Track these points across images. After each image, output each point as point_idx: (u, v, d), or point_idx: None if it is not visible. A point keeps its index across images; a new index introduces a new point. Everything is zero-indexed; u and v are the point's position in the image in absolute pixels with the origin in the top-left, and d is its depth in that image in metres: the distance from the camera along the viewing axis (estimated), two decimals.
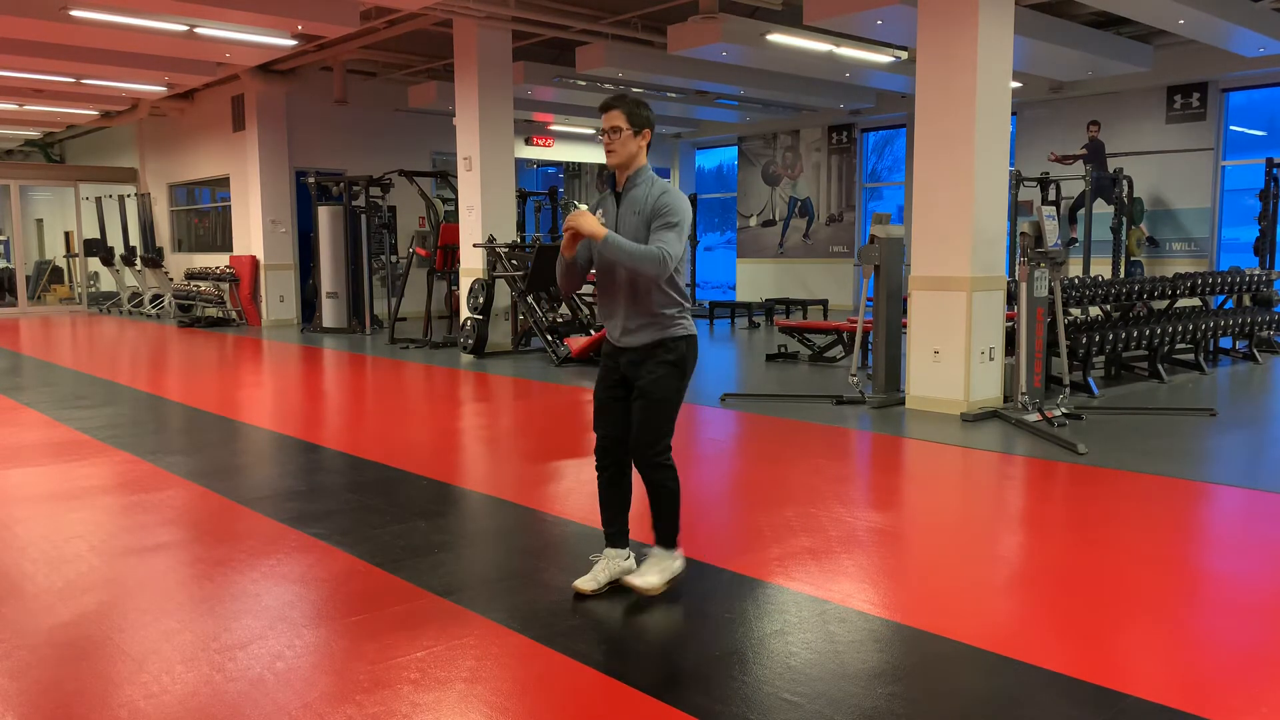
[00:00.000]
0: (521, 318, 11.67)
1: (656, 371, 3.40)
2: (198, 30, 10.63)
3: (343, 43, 13.05)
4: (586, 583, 3.52)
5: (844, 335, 10.32)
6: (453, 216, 13.06)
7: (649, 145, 3.44)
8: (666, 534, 3.56)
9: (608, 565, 3.56)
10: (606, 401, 3.55)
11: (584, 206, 3.35)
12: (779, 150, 18.95)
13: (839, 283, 17.88)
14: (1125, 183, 13.26)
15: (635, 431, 3.45)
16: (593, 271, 3.57)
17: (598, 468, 3.59)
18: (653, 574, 3.50)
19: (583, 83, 14.37)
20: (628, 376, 3.48)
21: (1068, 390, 7.48)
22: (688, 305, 3.49)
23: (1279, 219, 12.50)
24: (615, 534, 3.60)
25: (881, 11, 9.60)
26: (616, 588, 3.55)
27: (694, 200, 17.94)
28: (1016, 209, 12.12)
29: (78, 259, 20.06)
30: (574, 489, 5.09)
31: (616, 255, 3.25)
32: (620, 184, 3.44)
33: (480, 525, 4.57)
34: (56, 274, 21.51)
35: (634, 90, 15.24)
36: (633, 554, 3.64)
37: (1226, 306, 10.33)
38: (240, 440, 6.49)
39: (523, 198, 15.25)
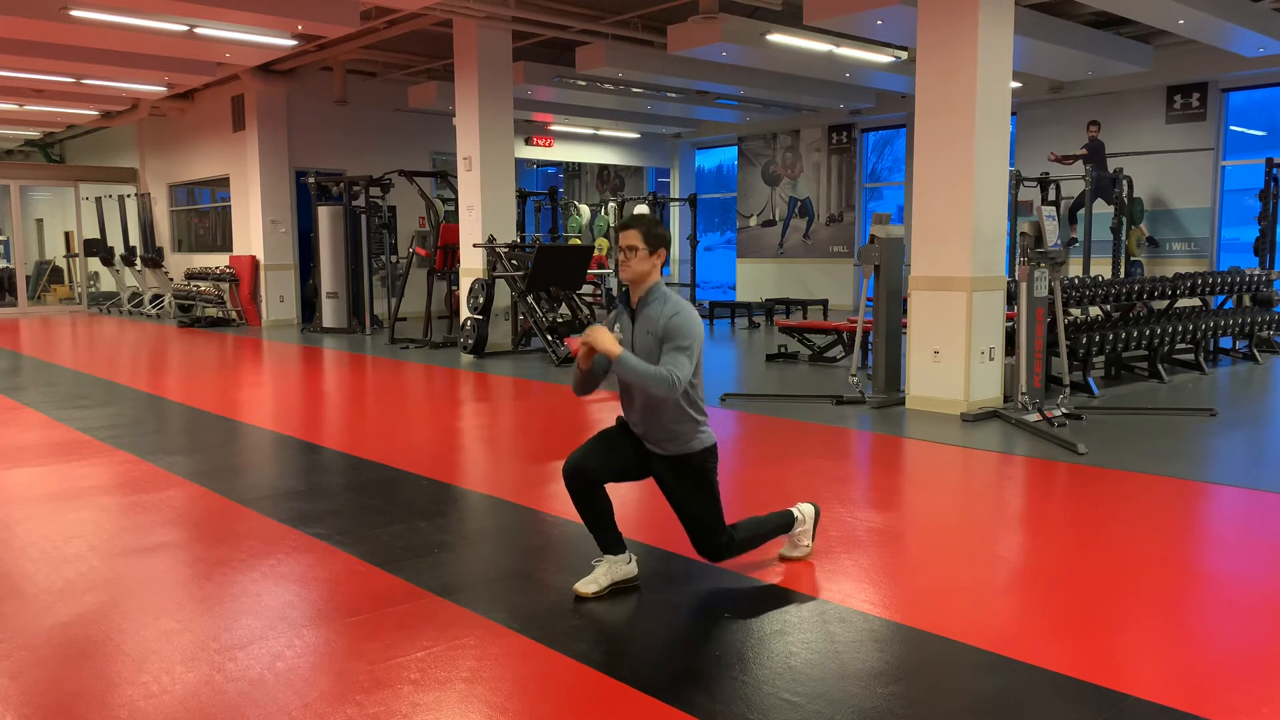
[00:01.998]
0: (521, 318, 11.68)
1: (689, 495, 3.57)
2: (198, 30, 10.63)
3: (343, 43, 13.05)
4: (587, 585, 3.52)
5: (844, 335, 10.32)
6: (453, 216, 13.07)
7: (664, 264, 3.59)
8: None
9: (609, 569, 3.56)
10: (615, 442, 3.62)
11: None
12: (779, 150, 18.95)
13: (839, 283, 17.89)
14: (1125, 183, 13.27)
15: (693, 535, 3.62)
16: None
17: (568, 487, 3.53)
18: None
19: (583, 83, 14.37)
20: (643, 459, 3.61)
21: (1068, 390, 7.48)
22: (703, 418, 3.58)
23: (1279, 219, 12.50)
24: (609, 542, 3.59)
25: (881, 11, 9.59)
26: (616, 589, 3.55)
27: (694, 200, 17.95)
28: (1016, 209, 12.15)
29: (78, 259, 20.06)
30: None
31: (628, 376, 3.37)
32: (634, 299, 3.56)
33: (480, 525, 4.57)
34: (56, 274, 21.51)
35: (634, 90, 15.25)
36: (634, 557, 3.64)
37: (1226, 306, 10.33)
38: (240, 440, 6.49)
39: (523, 198, 15.25)
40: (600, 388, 3.71)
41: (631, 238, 3.49)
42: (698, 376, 3.51)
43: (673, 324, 3.42)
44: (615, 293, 14.92)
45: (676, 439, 3.54)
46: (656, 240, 3.51)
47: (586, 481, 3.51)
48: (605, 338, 3.37)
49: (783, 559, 3.89)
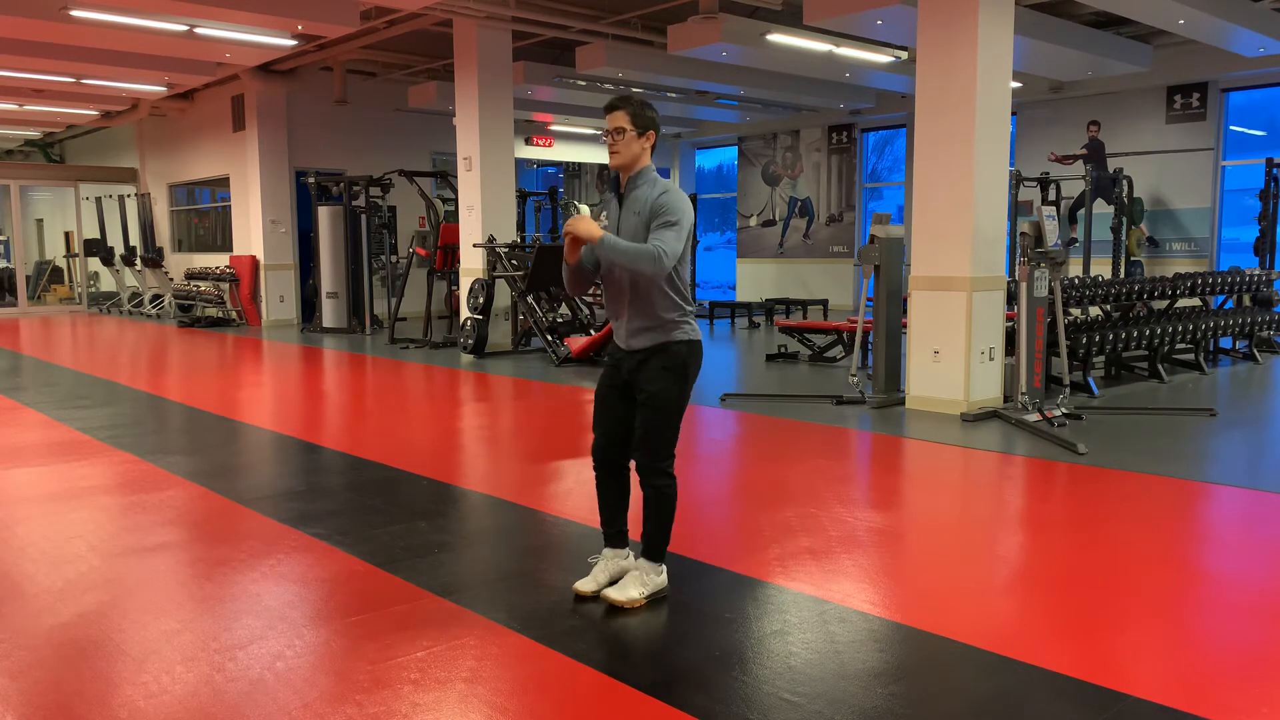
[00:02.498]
0: (521, 318, 11.67)
1: (657, 380, 3.36)
2: (198, 30, 10.63)
3: (343, 43, 13.05)
4: (586, 584, 3.52)
5: (844, 335, 10.32)
6: (453, 216, 13.06)
7: (653, 147, 3.42)
8: (654, 546, 3.49)
9: (607, 566, 3.55)
10: (607, 401, 3.53)
11: (585, 208, 3.38)
12: (779, 150, 18.95)
13: (839, 283, 17.88)
14: (1125, 183, 13.26)
15: (638, 439, 3.41)
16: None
17: (595, 466, 3.57)
18: (633, 588, 3.43)
19: (583, 83, 14.36)
20: (630, 381, 3.45)
21: (1068, 390, 7.48)
22: (690, 309, 3.45)
23: (1279, 219, 12.50)
24: (615, 534, 3.59)
25: (881, 11, 9.59)
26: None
27: (694, 200, 17.94)
28: (1016, 209, 12.14)
29: (78, 259, 20.06)
30: (574, 489, 5.09)
31: (613, 256, 3.23)
32: (623, 185, 3.42)
33: (480, 525, 4.57)
34: (56, 274, 21.51)
35: (635, 90, 15.24)
36: (632, 554, 3.64)
37: (1226, 306, 10.33)
38: (240, 440, 6.49)
39: (523, 198, 15.25)
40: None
41: (619, 119, 3.33)
42: (684, 264, 3.34)
43: (660, 201, 3.29)
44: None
45: (661, 327, 3.36)
46: (645, 121, 3.35)
47: (611, 460, 3.50)
48: (586, 224, 3.26)
49: (604, 596, 3.46)
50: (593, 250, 3.39)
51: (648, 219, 3.31)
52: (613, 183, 3.47)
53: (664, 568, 3.54)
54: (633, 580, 3.46)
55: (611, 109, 3.36)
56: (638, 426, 3.41)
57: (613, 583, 3.53)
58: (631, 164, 3.38)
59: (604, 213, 3.49)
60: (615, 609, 3.40)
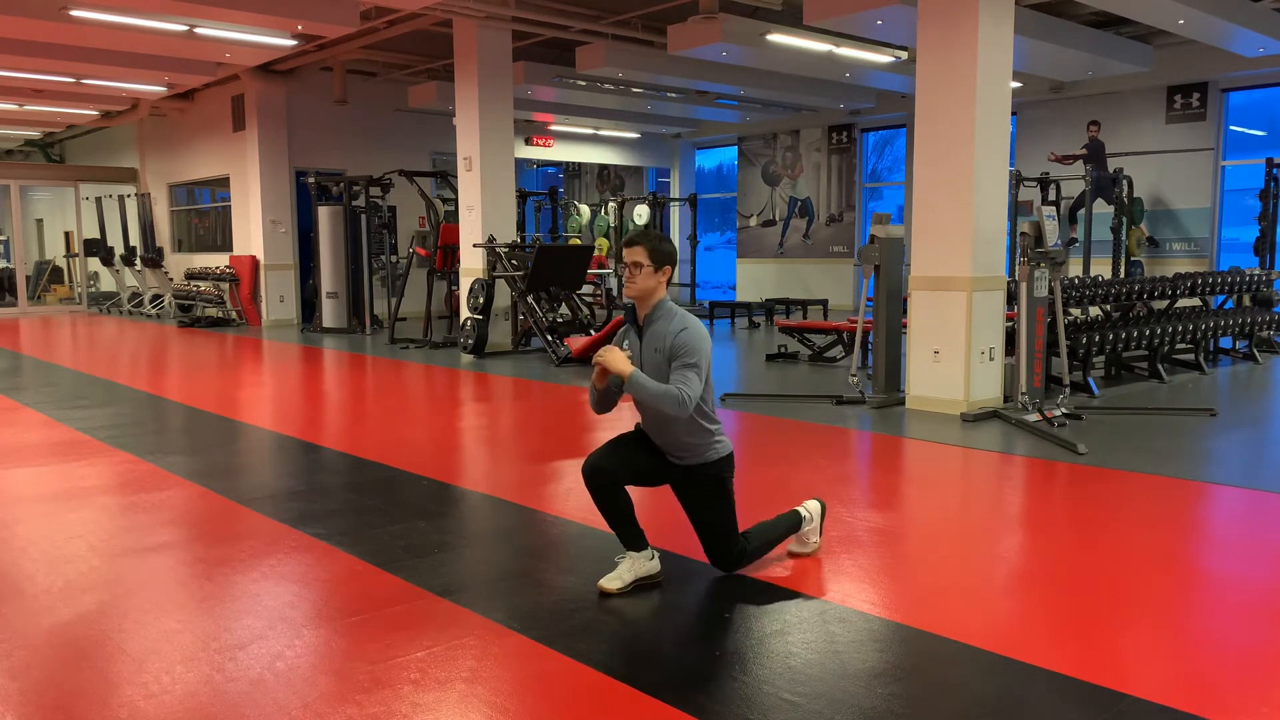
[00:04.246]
0: (521, 318, 11.67)
1: (705, 504, 3.62)
2: (198, 30, 10.63)
3: (343, 43, 13.05)
4: (611, 581, 3.54)
5: (844, 335, 10.32)
6: (453, 216, 13.06)
7: (670, 281, 3.58)
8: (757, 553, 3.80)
9: (633, 566, 3.58)
10: (626, 444, 3.65)
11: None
12: (779, 150, 18.95)
13: (839, 283, 17.89)
14: (1125, 183, 13.27)
15: (712, 549, 3.66)
16: None
17: (588, 486, 3.56)
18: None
19: (583, 83, 14.36)
20: (659, 466, 3.66)
21: (1068, 390, 7.48)
22: (717, 426, 3.64)
23: (1279, 219, 12.50)
24: (631, 537, 3.60)
25: (881, 11, 9.60)
26: (638, 586, 3.56)
27: (694, 200, 17.95)
28: (1016, 209, 12.14)
29: (78, 259, 20.06)
30: (574, 489, 5.09)
31: (640, 395, 3.42)
32: (641, 317, 3.58)
33: (480, 525, 4.57)
34: (56, 274, 21.51)
35: (634, 90, 15.25)
36: (656, 553, 3.66)
37: (1226, 306, 10.33)
38: (240, 440, 6.49)
39: (523, 198, 15.25)
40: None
41: (636, 254, 3.50)
42: (708, 389, 3.55)
43: (679, 340, 3.44)
44: (615, 293, 14.90)
45: (692, 450, 3.58)
46: (662, 257, 3.51)
47: (605, 481, 3.54)
48: (617, 358, 3.41)
49: (792, 555, 3.93)
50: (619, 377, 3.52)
51: (668, 355, 3.47)
52: (629, 312, 3.65)
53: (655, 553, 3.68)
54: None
55: (630, 244, 3.54)
56: (706, 539, 3.67)
57: (637, 581, 3.57)
58: (647, 296, 3.55)
59: (625, 341, 3.65)
60: (615, 608, 3.40)
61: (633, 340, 3.63)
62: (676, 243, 20.80)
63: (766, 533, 3.80)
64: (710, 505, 3.62)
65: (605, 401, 3.64)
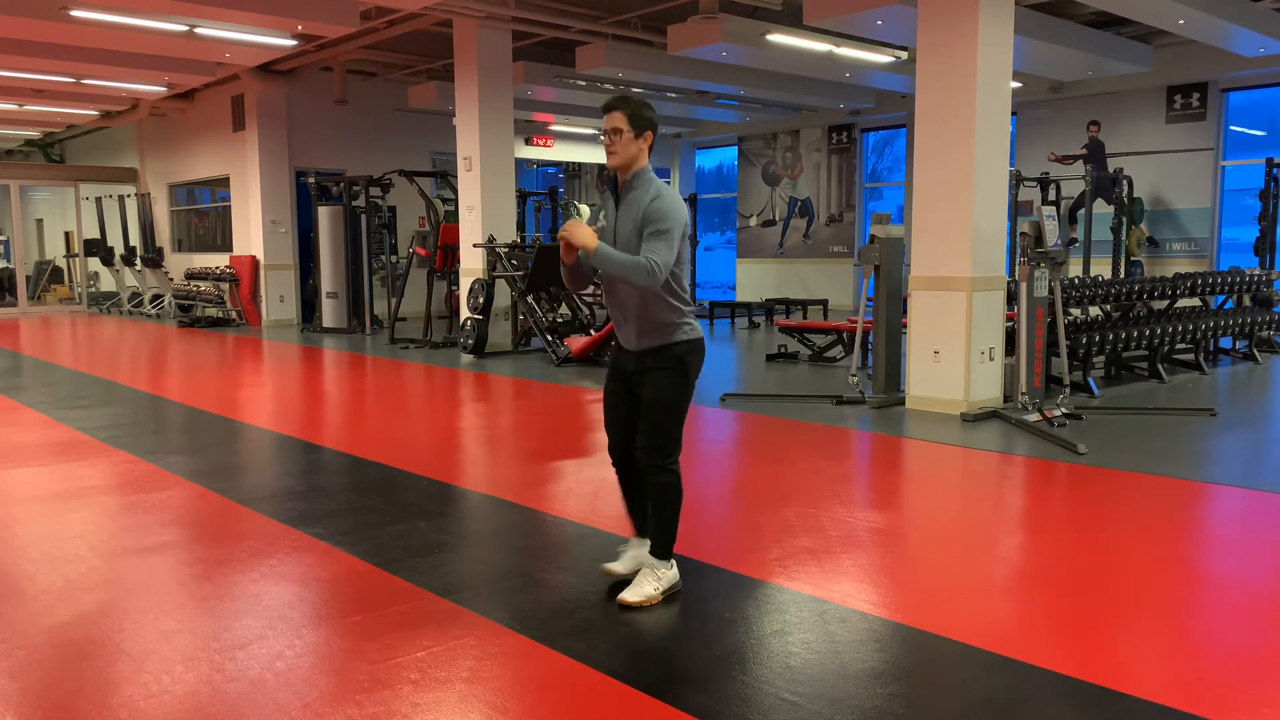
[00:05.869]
0: (521, 318, 11.67)
1: (658, 379, 3.39)
2: (198, 30, 10.63)
3: (343, 43, 13.05)
4: (617, 566, 3.60)
5: (844, 335, 10.32)
6: (453, 216, 13.06)
7: (651, 147, 3.41)
8: (661, 544, 3.49)
9: (637, 555, 3.61)
10: (614, 403, 3.60)
11: (585, 209, 3.39)
12: (779, 150, 18.95)
13: (839, 283, 17.88)
14: (1125, 183, 13.26)
15: (641, 436, 3.43)
16: None
17: (613, 465, 3.66)
18: (647, 585, 3.45)
19: (583, 83, 14.36)
20: (632, 380, 3.48)
21: (1068, 390, 7.48)
22: (689, 309, 3.46)
23: (1279, 219, 12.50)
24: (643, 524, 3.64)
25: (881, 11, 9.59)
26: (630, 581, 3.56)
27: (694, 200, 17.94)
28: (1016, 209, 12.14)
29: (78, 259, 20.06)
30: (574, 489, 5.09)
31: (606, 266, 3.25)
32: (620, 185, 3.43)
33: (480, 525, 4.57)
34: (56, 274, 21.50)
35: (634, 90, 15.24)
36: (674, 561, 3.63)
37: (1226, 306, 10.33)
38: (240, 440, 6.49)
39: (523, 198, 15.25)
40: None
41: (616, 119, 3.32)
42: (680, 265, 3.35)
43: (652, 208, 3.28)
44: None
45: (658, 331, 3.40)
46: (643, 122, 3.34)
47: (624, 461, 3.57)
48: (582, 231, 3.24)
49: (620, 600, 3.43)
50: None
51: (640, 225, 3.31)
52: (610, 182, 3.47)
53: (673, 563, 3.55)
54: (645, 579, 3.48)
55: (609, 109, 3.36)
56: (640, 423, 3.44)
57: (639, 569, 3.56)
58: (629, 164, 3.37)
59: (602, 213, 3.51)
60: (615, 608, 3.40)
61: (609, 210, 3.48)
62: None
63: (672, 510, 3.48)
64: (664, 386, 3.37)
65: (575, 277, 3.50)
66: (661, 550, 3.50)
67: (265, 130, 15.39)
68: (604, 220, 3.48)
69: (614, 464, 3.64)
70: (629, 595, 3.43)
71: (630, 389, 3.50)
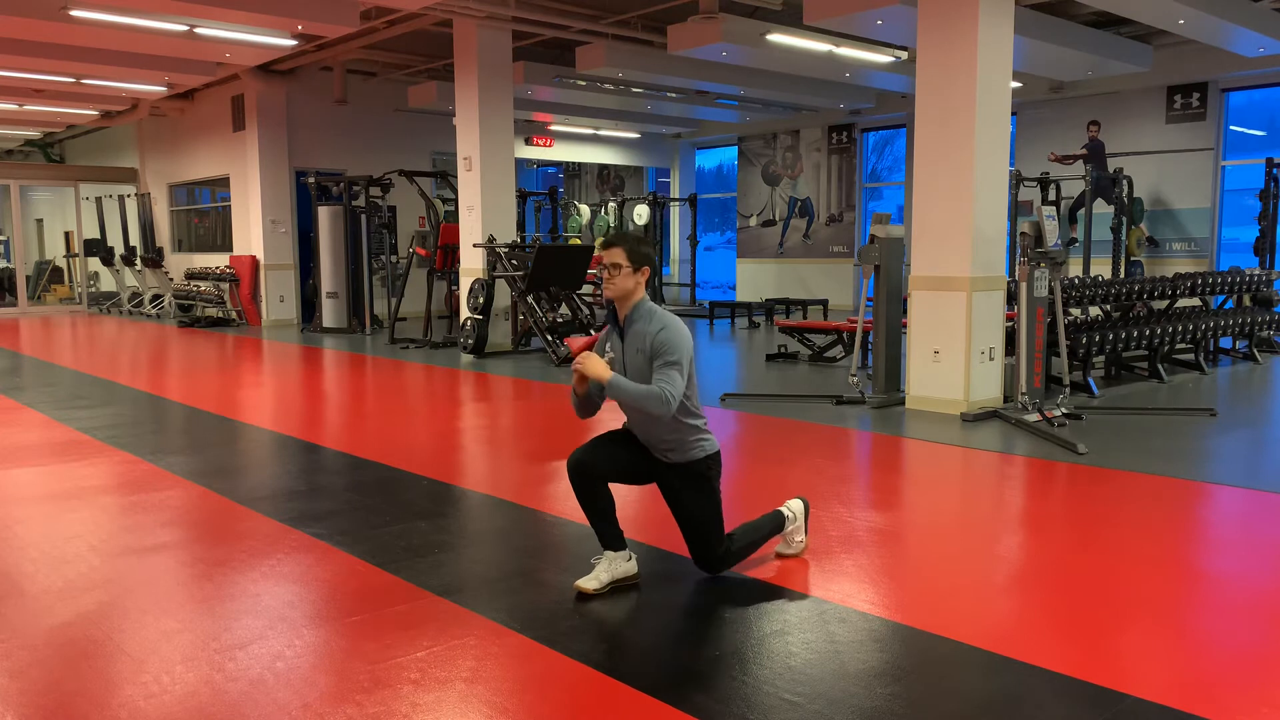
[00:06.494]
0: (521, 318, 11.67)
1: (690, 500, 3.60)
2: (198, 30, 10.63)
3: (343, 43, 13.05)
4: (588, 582, 3.52)
5: (844, 335, 10.32)
6: (453, 216, 13.07)
7: (648, 281, 3.60)
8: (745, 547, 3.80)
9: (610, 566, 3.57)
10: (616, 440, 3.65)
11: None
12: (779, 150, 18.95)
13: (839, 283, 17.88)
14: (1125, 183, 13.26)
15: (697, 550, 3.64)
16: None
17: (571, 480, 3.56)
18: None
19: (583, 83, 14.36)
20: (654, 471, 3.64)
21: (1068, 390, 7.48)
22: (702, 422, 3.62)
23: (1279, 219, 12.50)
24: (610, 536, 3.60)
25: (881, 11, 9.59)
26: (617, 588, 3.55)
27: (694, 200, 17.95)
28: (1016, 209, 12.14)
29: (78, 259, 20.06)
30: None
31: (621, 397, 3.43)
32: (621, 317, 3.59)
33: (480, 525, 4.57)
34: (56, 274, 21.51)
35: (634, 90, 15.24)
36: (634, 555, 3.64)
37: (1226, 306, 10.33)
38: (240, 440, 6.49)
39: (523, 198, 15.25)
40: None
41: (615, 255, 3.52)
42: (692, 387, 3.53)
43: (660, 339, 3.45)
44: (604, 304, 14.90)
45: (678, 448, 3.57)
46: (640, 258, 3.53)
47: (589, 477, 3.54)
48: (596, 364, 3.41)
49: (779, 556, 3.91)
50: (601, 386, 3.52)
51: (651, 355, 3.47)
52: (610, 314, 3.65)
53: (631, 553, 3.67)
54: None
55: (609, 245, 3.56)
56: (691, 538, 3.66)
57: (614, 582, 3.55)
58: (626, 296, 3.57)
59: (608, 344, 3.65)
60: (615, 608, 3.40)
61: (614, 342, 3.64)
62: (676, 243, 20.91)
63: (750, 534, 3.78)
64: (696, 504, 3.60)
65: (587, 407, 3.65)
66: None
67: (265, 130, 15.39)
68: (610, 352, 3.61)
69: (573, 479, 3.54)
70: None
71: (642, 455, 3.63)
